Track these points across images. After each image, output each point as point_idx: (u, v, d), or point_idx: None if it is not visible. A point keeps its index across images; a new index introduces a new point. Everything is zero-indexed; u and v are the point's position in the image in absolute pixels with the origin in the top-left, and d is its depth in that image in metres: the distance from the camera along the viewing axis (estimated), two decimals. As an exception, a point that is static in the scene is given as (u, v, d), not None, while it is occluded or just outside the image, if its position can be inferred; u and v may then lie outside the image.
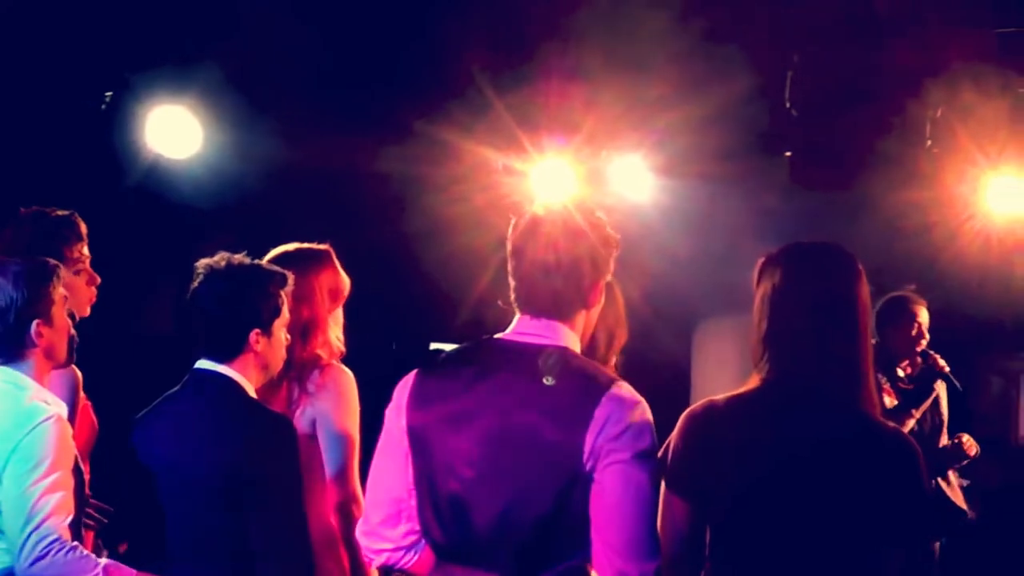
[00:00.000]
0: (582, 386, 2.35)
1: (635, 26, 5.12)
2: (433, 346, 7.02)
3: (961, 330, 6.10)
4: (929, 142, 5.58)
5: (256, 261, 3.06)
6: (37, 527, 2.76)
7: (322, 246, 3.52)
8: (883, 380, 5.13)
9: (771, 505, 2.38)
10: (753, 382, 2.48)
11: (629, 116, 5.71)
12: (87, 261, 3.60)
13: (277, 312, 3.02)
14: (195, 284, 2.97)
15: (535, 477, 2.33)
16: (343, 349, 3.49)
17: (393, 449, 2.49)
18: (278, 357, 3.07)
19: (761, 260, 2.56)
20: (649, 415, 2.37)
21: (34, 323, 2.94)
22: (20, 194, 4.21)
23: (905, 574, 2.39)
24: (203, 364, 2.98)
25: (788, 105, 5.55)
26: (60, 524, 2.79)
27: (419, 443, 2.45)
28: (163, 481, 2.97)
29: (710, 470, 2.43)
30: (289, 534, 2.87)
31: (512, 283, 2.49)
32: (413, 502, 2.48)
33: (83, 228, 3.59)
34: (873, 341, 4.18)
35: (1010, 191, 5.51)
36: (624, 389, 2.38)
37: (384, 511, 2.49)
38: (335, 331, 3.49)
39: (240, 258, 3.01)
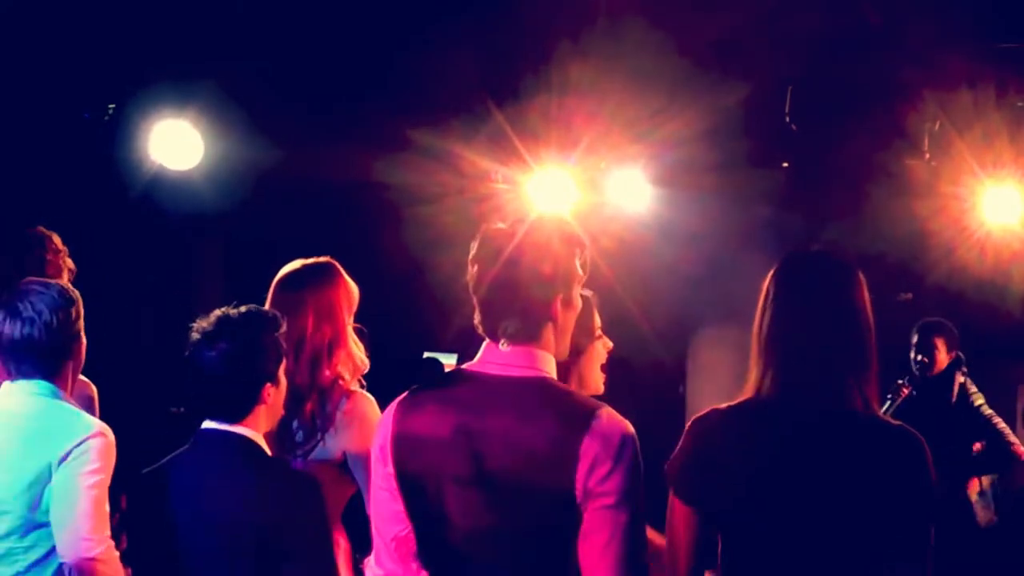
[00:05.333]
0: (564, 420, 2.30)
1: (635, 40, 5.15)
2: (427, 355, 7.05)
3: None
4: (927, 155, 5.61)
5: (251, 308, 2.91)
6: (93, 528, 2.92)
7: (325, 259, 3.43)
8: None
9: (779, 510, 2.40)
10: (751, 390, 2.49)
11: (628, 128, 5.74)
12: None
13: (281, 359, 2.93)
14: (195, 348, 2.83)
15: (532, 520, 2.31)
16: (367, 364, 3.38)
17: (385, 492, 2.47)
18: (283, 399, 2.98)
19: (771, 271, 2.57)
20: (634, 440, 2.32)
21: (77, 339, 3.09)
22: (25, 204, 4.26)
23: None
24: (211, 425, 2.87)
25: (788, 119, 5.58)
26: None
27: (409, 490, 2.42)
28: (184, 543, 2.82)
29: (715, 478, 2.45)
30: None
31: (476, 306, 2.42)
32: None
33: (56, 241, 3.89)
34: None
35: (1006, 202, 5.54)
36: (606, 419, 2.31)
37: (392, 552, 2.48)
38: (358, 347, 3.39)
39: (236, 313, 2.86)
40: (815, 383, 2.43)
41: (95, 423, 3.04)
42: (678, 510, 2.49)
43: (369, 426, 3.21)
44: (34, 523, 2.97)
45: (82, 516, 2.93)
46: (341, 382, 3.27)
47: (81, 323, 3.12)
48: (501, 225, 2.42)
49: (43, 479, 2.96)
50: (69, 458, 2.94)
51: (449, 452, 2.36)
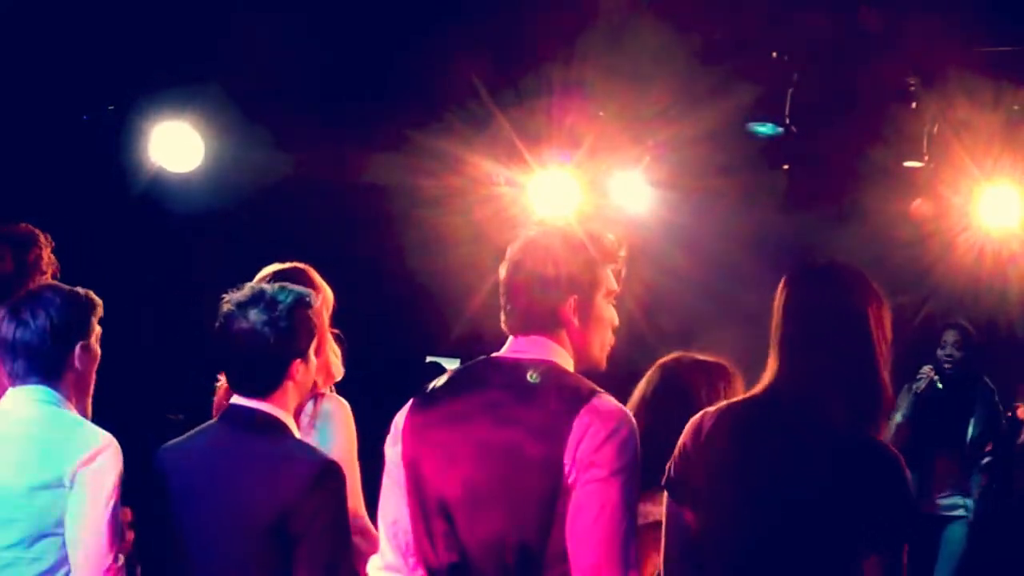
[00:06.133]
0: (562, 398, 2.36)
1: (637, 42, 5.16)
2: (429, 359, 7.05)
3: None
4: (927, 157, 5.63)
5: (284, 284, 2.91)
6: (106, 553, 2.88)
7: (302, 265, 3.42)
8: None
9: (755, 513, 2.43)
10: (756, 389, 2.53)
11: (630, 130, 5.76)
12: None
13: (312, 336, 2.90)
14: (225, 320, 2.80)
15: (523, 495, 2.33)
16: (341, 372, 3.40)
17: (395, 484, 2.50)
18: (312, 379, 2.98)
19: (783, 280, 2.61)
20: (631, 427, 2.36)
21: (77, 346, 2.98)
22: (26, 206, 4.27)
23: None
24: (240, 401, 2.85)
25: (788, 121, 5.60)
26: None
27: (415, 470, 2.46)
28: (195, 519, 2.82)
29: (702, 478, 2.49)
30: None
31: (501, 304, 2.52)
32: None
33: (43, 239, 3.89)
34: None
35: (1004, 204, 5.56)
36: (605, 400, 2.37)
37: (390, 543, 2.51)
38: (335, 355, 3.40)
39: (269, 287, 2.85)
40: (805, 388, 2.46)
41: (102, 433, 2.97)
42: (668, 509, 2.54)
43: (337, 427, 3.25)
44: (41, 533, 2.91)
45: (97, 539, 2.88)
46: (314, 387, 3.23)
47: (92, 332, 3.02)
48: (532, 232, 2.52)
49: (53, 490, 2.89)
50: (83, 473, 2.88)
51: (456, 431, 2.42)
